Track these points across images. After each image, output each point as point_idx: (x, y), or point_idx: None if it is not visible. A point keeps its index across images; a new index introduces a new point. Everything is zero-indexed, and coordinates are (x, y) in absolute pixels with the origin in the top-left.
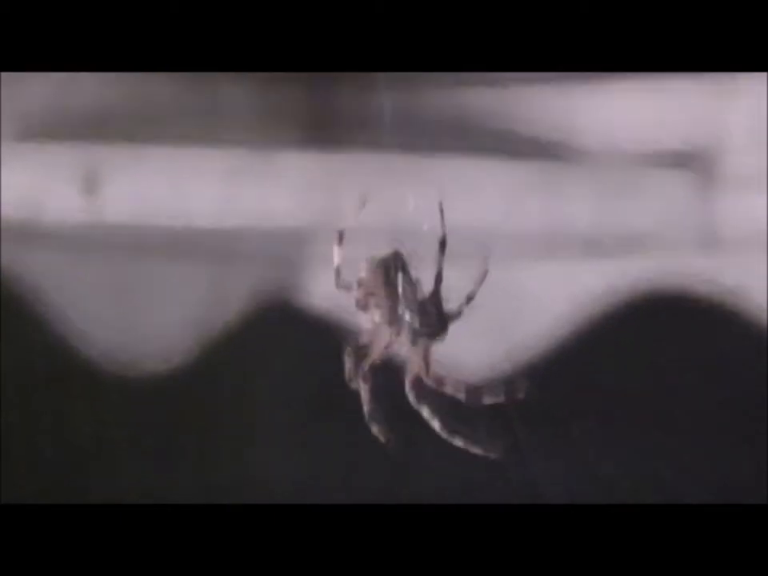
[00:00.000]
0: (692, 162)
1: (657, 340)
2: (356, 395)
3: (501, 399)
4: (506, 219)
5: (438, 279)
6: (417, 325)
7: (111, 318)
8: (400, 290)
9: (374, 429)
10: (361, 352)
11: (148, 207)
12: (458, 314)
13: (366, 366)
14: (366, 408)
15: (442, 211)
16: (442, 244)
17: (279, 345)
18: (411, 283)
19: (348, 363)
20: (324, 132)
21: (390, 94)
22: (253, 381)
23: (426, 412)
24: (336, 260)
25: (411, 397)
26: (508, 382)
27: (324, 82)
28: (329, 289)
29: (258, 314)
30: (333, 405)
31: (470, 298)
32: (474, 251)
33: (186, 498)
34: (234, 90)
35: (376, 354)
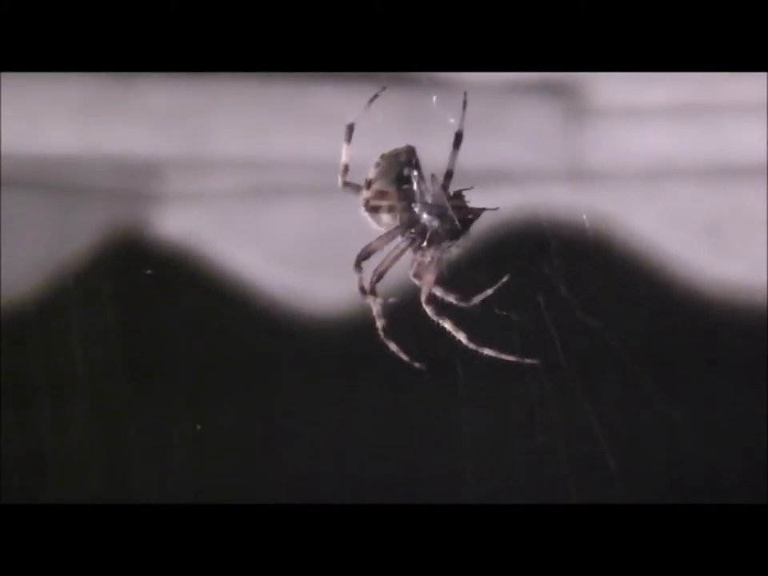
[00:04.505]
0: (560, 92)
1: (527, 271)
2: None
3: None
4: None
5: (449, 175)
6: (436, 226)
7: None
8: (416, 186)
9: (392, 347)
10: (367, 259)
11: None
12: (479, 211)
13: (375, 277)
14: (378, 324)
15: (465, 103)
16: (458, 138)
17: (130, 280)
18: (427, 180)
19: (357, 275)
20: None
21: None
22: (102, 317)
23: (449, 325)
24: (344, 157)
25: (429, 310)
26: None
27: None
28: (182, 224)
29: (108, 249)
30: (184, 337)
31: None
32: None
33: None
34: None
35: (388, 262)
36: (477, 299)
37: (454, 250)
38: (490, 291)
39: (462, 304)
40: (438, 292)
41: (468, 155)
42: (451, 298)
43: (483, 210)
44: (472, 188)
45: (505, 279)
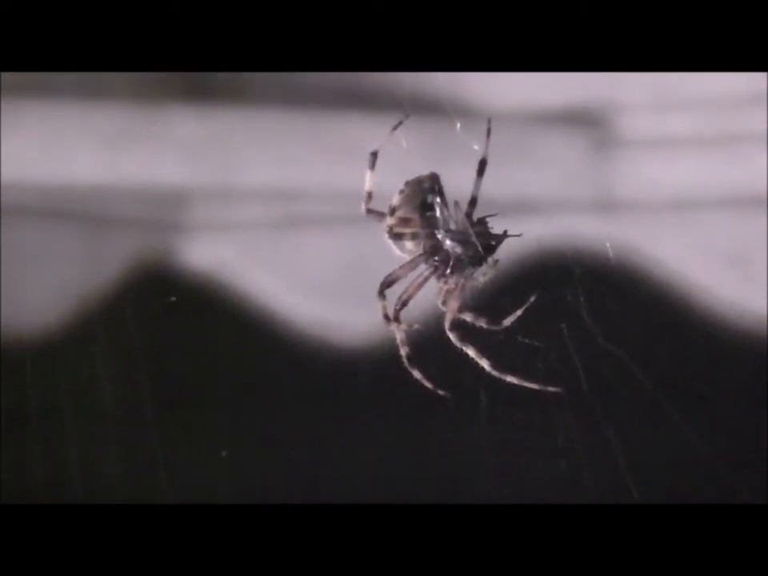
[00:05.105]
0: (586, 121)
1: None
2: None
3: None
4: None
5: (473, 203)
6: (459, 253)
7: None
8: (438, 213)
9: (416, 374)
10: (390, 287)
11: (23, 166)
12: (502, 238)
13: (399, 304)
14: (402, 351)
15: (489, 130)
16: (482, 165)
17: (157, 309)
18: (450, 207)
19: (381, 302)
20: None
21: None
22: (128, 345)
23: (472, 351)
24: (367, 185)
25: (453, 336)
26: None
27: None
28: (208, 253)
29: (135, 278)
30: (210, 366)
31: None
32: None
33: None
34: None
35: (412, 289)
36: (507, 321)
37: (482, 278)
38: (519, 312)
39: (494, 327)
40: (468, 317)
41: (493, 184)
42: (482, 322)
43: (506, 236)
44: (497, 214)
45: (533, 298)
